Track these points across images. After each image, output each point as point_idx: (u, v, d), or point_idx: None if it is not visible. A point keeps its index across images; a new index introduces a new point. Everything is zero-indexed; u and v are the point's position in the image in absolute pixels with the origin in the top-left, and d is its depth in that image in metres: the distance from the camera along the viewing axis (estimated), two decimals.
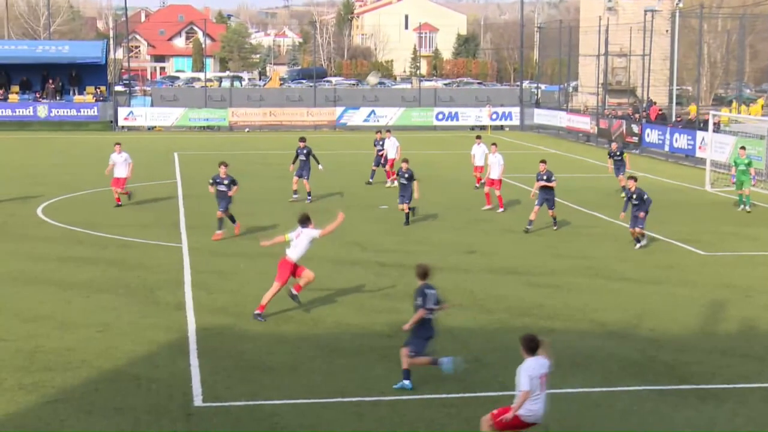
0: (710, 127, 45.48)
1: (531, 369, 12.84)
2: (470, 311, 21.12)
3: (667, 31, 69.71)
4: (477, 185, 39.75)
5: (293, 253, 20.52)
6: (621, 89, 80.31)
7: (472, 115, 73.63)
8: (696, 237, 29.93)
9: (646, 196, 28.17)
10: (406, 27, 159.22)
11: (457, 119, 73.50)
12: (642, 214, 27.93)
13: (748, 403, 15.77)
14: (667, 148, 54.45)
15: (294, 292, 20.43)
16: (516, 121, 74.07)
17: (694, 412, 15.28)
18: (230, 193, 28.83)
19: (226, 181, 28.84)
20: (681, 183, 42.91)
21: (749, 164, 35.33)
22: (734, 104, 69.66)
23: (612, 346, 18.72)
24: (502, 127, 73.50)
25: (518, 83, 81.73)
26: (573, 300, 22.23)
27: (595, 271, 25.38)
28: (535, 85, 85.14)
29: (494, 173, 34.31)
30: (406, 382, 16.24)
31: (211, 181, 29.20)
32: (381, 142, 41.86)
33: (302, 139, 37.27)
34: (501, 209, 34.19)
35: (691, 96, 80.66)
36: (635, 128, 58.32)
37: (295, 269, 20.51)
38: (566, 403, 15.60)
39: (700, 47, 62.99)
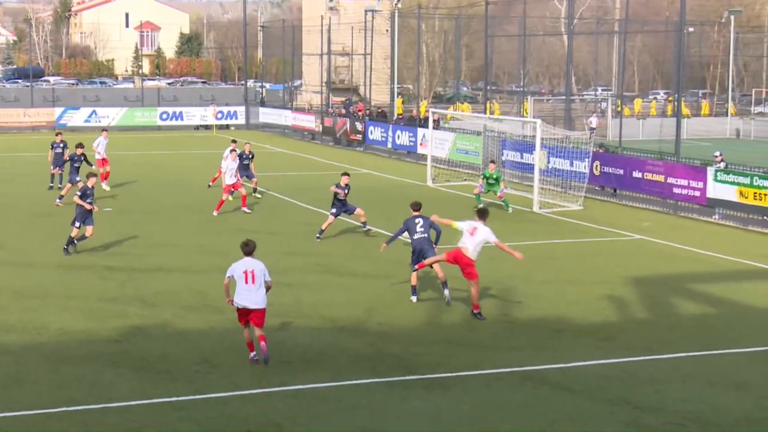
0: (430, 124, 46.97)
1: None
2: (201, 312, 20.98)
3: (387, 30, 71.32)
4: (211, 184, 39.38)
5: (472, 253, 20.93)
6: (344, 88, 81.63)
7: (197, 115, 72.97)
8: None
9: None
10: (127, 25, 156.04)
11: (182, 119, 72.69)
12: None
13: (471, 390, 16.37)
14: (390, 145, 55.76)
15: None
16: (242, 120, 73.99)
17: (422, 402, 15.73)
18: None
19: None
20: (404, 179, 44.05)
21: (498, 179, 35.80)
22: (462, 104, 72.19)
23: (343, 341, 19.02)
24: (228, 126, 73.24)
25: (243, 82, 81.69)
26: (305, 297, 22.42)
27: (326, 268, 25.69)
28: (260, 84, 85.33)
29: (229, 179, 33.90)
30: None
31: None
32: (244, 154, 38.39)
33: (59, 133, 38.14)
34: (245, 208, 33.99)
35: (411, 94, 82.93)
36: (359, 126, 59.42)
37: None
38: (297, 399, 15.73)
39: (419, 47, 64.85)
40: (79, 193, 26.85)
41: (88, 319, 20.35)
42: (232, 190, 33.92)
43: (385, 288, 23.50)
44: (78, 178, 34.86)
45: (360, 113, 62.84)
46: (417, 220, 22.58)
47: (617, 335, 19.87)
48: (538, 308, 21.79)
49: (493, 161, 37.68)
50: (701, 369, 17.71)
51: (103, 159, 39.68)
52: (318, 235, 29.47)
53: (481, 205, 30.51)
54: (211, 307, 21.44)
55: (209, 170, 45.05)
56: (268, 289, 17.63)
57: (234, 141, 34.89)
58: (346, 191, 29.78)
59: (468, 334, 19.64)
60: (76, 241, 26.75)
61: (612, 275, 25.18)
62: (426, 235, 22.33)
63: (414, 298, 22.20)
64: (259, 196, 37.46)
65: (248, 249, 17.73)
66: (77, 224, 26.56)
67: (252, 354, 17.51)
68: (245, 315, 17.45)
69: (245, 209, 33.96)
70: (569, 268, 26.09)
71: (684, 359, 18.29)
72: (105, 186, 38.86)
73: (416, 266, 21.97)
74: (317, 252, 27.76)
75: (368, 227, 30.20)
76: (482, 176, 36.38)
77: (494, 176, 35.62)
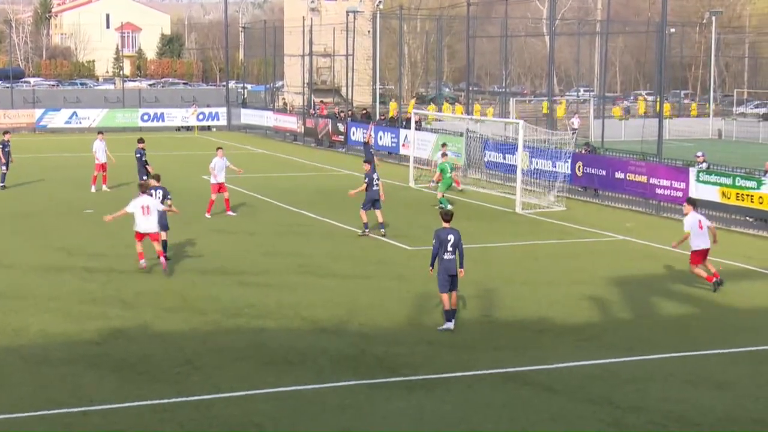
0: (412, 125, 47.04)
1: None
2: (182, 313, 20.96)
3: (369, 31, 71.44)
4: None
5: None
6: (326, 89, 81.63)
7: (178, 116, 72.90)
8: (404, 232, 30.83)
9: None
10: (108, 26, 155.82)
11: (163, 120, 72.59)
12: None
13: (453, 390, 16.39)
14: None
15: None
16: (223, 122, 73.93)
17: (404, 403, 15.75)
18: None
19: None
20: (386, 180, 43.97)
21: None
22: (446, 105, 72.25)
23: (324, 342, 19.02)
24: (209, 128, 73.19)
25: (224, 83, 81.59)
26: (285, 298, 22.43)
27: (307, 268, 25.69)
28: (242, 85, 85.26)
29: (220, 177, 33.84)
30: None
31: None
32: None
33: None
34: (229, 212, 33.98)
35: (393, 94, 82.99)
36: (341, 127, 59.43)
37: None
38: (279, 402, 15.72)
39: (401, 47, 64.94)
40: None
41: (69, 321, 20.30)
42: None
43: (367, 289, 23.51)
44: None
45: (342, 114, 62.88)
46: (449, 236, 19.87)
47: (599, 335, 19.94)
48: (520, 309, 21.83)
49: (444, 144, 38.74)
50: (683, 369, 17.78)
51: (102, 164, 39.92)
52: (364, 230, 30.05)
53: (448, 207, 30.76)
54: (192, 308, 21.42)
55: (190, 172, 45.03)
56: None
57: (219, 148, 34.83)
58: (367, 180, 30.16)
59: (450, 335, 19.67)
60: None
61: (594, 276, 25.26)
62: (454, 256, 19.89)
63: (450, 325, 19.90)
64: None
65: (142, 189, 25.06)
66: None
67: (142, 261, 24.41)
68: (142, 237, 24.40)
69: (230, 212, 33.91)
70: (551, 269, 26.15)
71: (666, 359, 18.35)
72: (105, 188, 39.40)
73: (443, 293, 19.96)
74: (299, 252, 27.77)
75: (378, 231, 30.27)
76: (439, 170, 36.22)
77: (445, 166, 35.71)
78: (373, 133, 43.74)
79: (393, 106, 71.46)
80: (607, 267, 26.43)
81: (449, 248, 19.71)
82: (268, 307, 21.61)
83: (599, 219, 34.60)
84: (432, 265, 20.02)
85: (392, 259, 27.23)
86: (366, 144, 42.92)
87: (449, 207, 32.01)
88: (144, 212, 24.42)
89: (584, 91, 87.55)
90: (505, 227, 32.87)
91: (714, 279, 23.59)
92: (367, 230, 30.10)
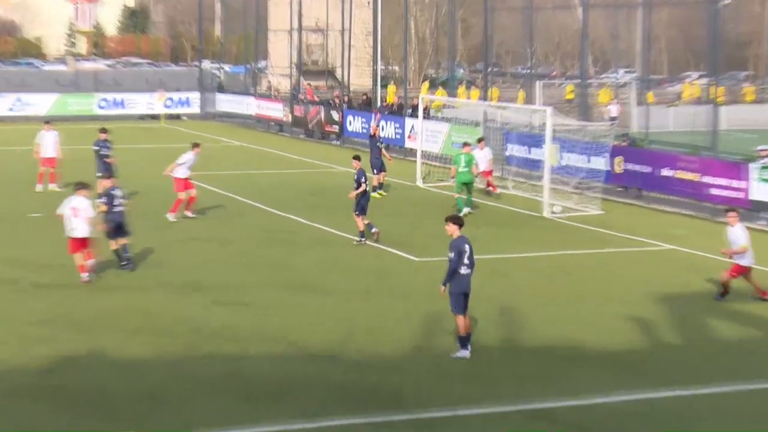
0: (420, 113, 46.88)
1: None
2: (146, 337, 20.90)
3: (369, 2, 71.45)
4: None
5: None
6: (318, 70, 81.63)
7: (142, 102, 72.82)
8: (408, 240, 30.80)
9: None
10: None
11: (124, 107, 72.56)
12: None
13: (470, 430, 16.34)
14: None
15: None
16: (196, 109, 73.91)
17: None
18: None
19: None
20: (389, 178, 44.00)
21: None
22: (462, 88, 72.08)
23: (314, 372, 18.94)
24: (179, 116, 73.16)
25: (197, 63, 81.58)
26: (268, 318, 22.36)
27: (294, 284, 25.63)
28: (218, 65, 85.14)
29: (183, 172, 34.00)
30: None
31: None
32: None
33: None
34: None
35: (398, 77, 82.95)
36: (335, 115, 59.38)
37: None
38: None
39: (406, 21, 64.91)
40: None
41: (12, 346, 20.23)
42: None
43: (366, 308, 23.44)
44: None
45: (337, 100, 62.77)
46: (466, 246, 19.81)
47: (641, 364, 19.86)
48: (548, 332, 21.76)
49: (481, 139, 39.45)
50: (742, 405, 17.70)
51: (50, 158, 39.87)
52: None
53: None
54: (158, 331, 21.37)
55: (157, 169, 44.96)
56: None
57: (197, 144, 34.75)
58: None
59: (465, 364, 19.59)
60: None
61: (636, 292, 25.19)
62: (471, 271, 19.88)
63: (466, 353, 19.87)
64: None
65: (79, 188, 25.19)
66: None
67: (84, 275, 24.79)
68: (78, 246, 24.80)
69: (189, 213, 33.78)
70: (585, 284, 26.10)
71: (721, 394, 18.27)
72: (55, 187, 39.24)
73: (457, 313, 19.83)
74: (284, 264, 27.72)
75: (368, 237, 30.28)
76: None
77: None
78: (379, 123, 43.77)
79: (391, 90, 71.44)
80: (651, 281, 26.36)
81: (466, 261, 19.62)
82: (248, 329, 21.54)
83: (642, 225, 34.54)
84: (447, 282, 19.77)
85: (395, 272, 27.18)
86: (372, 137, 42.68)
87: (467, 211, 32.16)
88: (74, 215, 24.84)
89: (624, 72, 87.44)
90: (531, 234, 32.81)
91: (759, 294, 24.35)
92: (363, 238, 30.06)
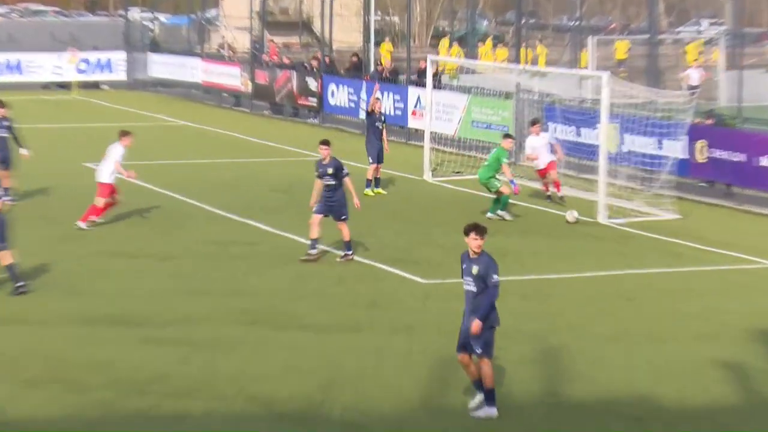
0: (429, 80, 46.65)
1: None
2: (52, 387, 20.85)
3: None
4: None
5: None
6: (289, 21, 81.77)
7: (46, 65, 72.97)
8: (413, 256, 30.83)
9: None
10: None
11: (21, 72, 72.70)
12: None
13: None
14: (363, 115, 55.54)
15: None
16: (121, 75, 74.16)
17: None
18: None
19: None
20: (387, 170, 43.95)
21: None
22: (487, 46, 72.07)
23: None
24: (97, 85, 73.31)
25: (122, 12, 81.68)
26: (221, 364, 22.31)
27: (255, 315, 25.64)
28: (150, 15, 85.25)
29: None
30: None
31: None
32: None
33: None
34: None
35: (398, 32, 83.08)
36: (312, 84, 59.24)
37: None
38: None
39: None
40: None
41: None
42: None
43: (355, 348, 23.41)
44: None
45: (315, 64, 62.65)
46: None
47: (735, 426, 19.81)
48: (604, 382, 21.73)
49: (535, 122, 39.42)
50: None
51: None
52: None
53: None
54: (69, 380, 21.32)
55: (68, 157, 45.05)
56: None
57: (126, 133, 34.51)
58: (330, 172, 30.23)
59: (491, 425, 19.52)
60: None
61: (727, 326, 25.18)
62: (476, 289, 19.62)
63: (494, 411, 19.73)
64: None
65: None
66: None
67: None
68: None
69: (82, 224, 33.59)
70: (656, 315, 26.11)
71: None
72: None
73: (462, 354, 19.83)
74: (241, 289, 27.71)
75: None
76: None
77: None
78: (380, 96, 43.69)
79: (385, 48, 71.50)
80: (747, 311, 26.35)
81: (467, 278, 19.60)
82: (193, 378, 21.50)
83: (733, 233, 34.58)
84: (488, 315, 19.32)
85: (395, 298, 27.18)
86: (370, 114, 42.27)
87: (508, 216, 32.26)
88: None
89: (709, 24, 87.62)
90: (581, 247, 32.85)
91: None
92: (351, 252, 30.03)
